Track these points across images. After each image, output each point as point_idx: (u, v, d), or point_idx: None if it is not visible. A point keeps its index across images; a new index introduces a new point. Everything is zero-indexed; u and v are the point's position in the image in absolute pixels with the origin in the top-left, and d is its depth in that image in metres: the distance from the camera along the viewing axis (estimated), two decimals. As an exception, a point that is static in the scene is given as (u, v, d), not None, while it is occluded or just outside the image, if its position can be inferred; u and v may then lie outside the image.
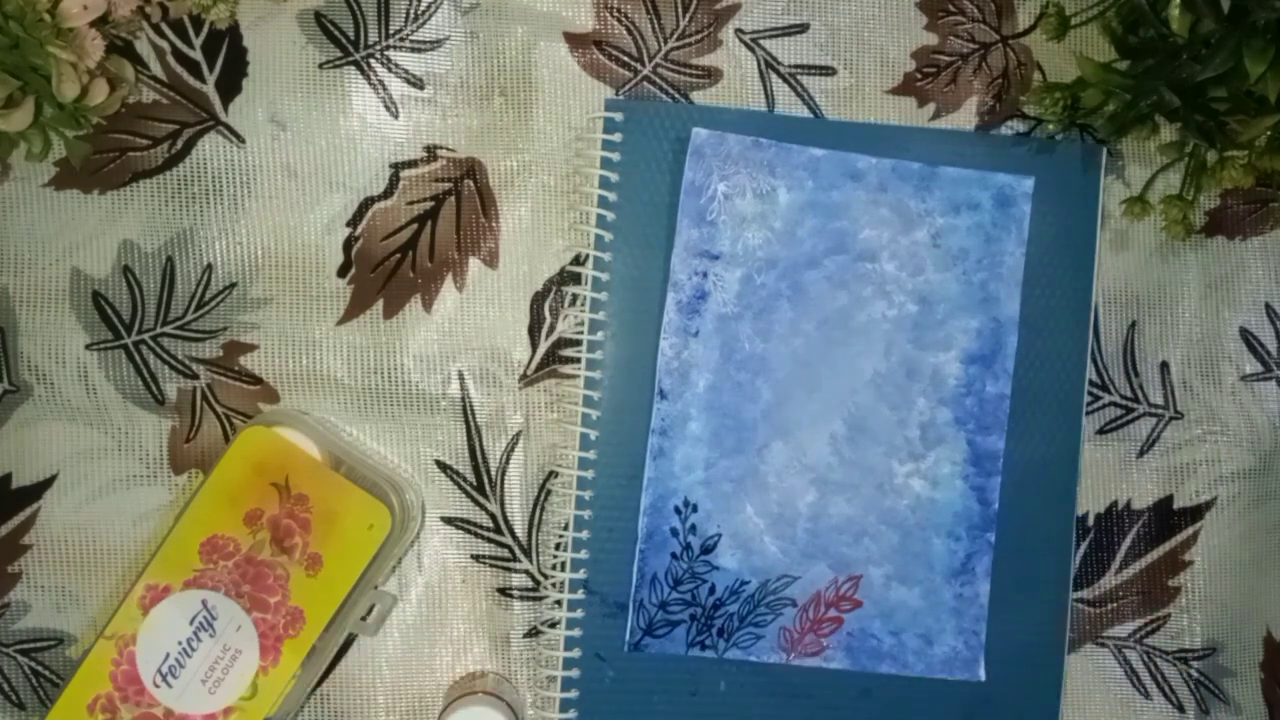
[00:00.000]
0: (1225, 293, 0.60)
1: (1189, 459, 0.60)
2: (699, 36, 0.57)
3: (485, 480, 0.56)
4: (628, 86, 0.56)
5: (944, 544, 0.57)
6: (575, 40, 0.56)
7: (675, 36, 0.57)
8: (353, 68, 0.55)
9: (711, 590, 0.56)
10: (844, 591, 0.57)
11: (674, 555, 0.55)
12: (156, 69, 0.54)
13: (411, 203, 0.56)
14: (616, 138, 0.55)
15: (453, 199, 0.56)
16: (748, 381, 0.56)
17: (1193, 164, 0.57)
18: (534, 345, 0.56)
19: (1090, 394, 0.59)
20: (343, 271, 0.55)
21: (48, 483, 0.54)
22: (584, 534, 0.55)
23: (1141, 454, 0.60)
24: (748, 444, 0.56)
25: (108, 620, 0.51)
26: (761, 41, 0.57)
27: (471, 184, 0.56)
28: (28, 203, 0.54)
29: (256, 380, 0.55)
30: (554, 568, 0.56)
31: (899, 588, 0.57)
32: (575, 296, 0.56)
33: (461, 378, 0.56)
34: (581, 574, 0.55)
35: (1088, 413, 0.59)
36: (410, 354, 0.56)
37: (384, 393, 0.56)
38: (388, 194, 0.55)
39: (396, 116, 0.55)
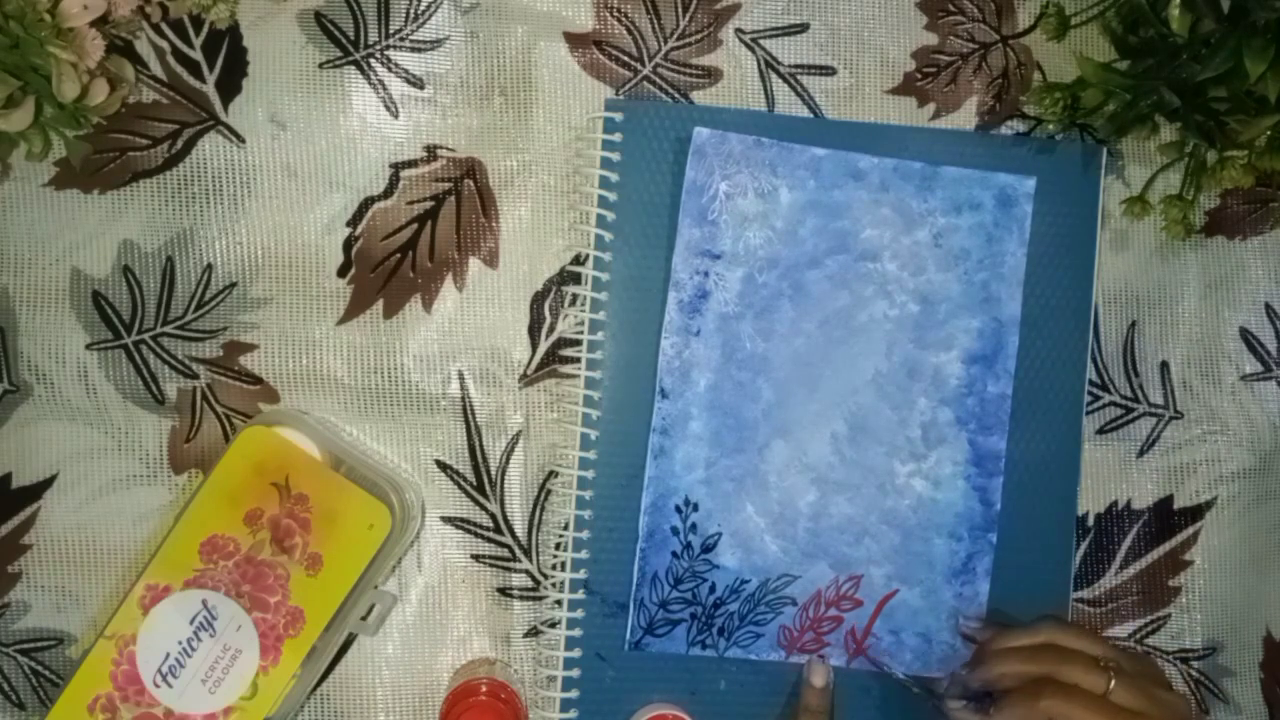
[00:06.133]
0: (1225, 293, 0.60)
1: (1189, 459, 0.60)
2: (699, 36, 0.57)
3: (485, 480, 0.56)
4: (628, 86, 0.56)
5: (945, 544, 0.57)
6: (575, 40, 0.56)
7: (675, 36, 0.57)
8: (353, 68, 0.55)
9: (712, 589, 0.56)
10: (845, 591, 0.57)
11: (674, 554, 0.55)
12: (156, 69, 0.54)
13: (411, 202, 0.55)
14: (616, 138, 0.55)
15: (453, 199, 0.56)
16: (749, 381, 0.56)
17: (1193, 164, 0.57)
18: (534, 345, 0.56)
19: (1090, 394, 0.59)
20: (343, 271, 0.55)
21: (48, 483, 0.54)
22: (584, 534, 0.55)
23: (1141, 454, 0.60)
24: (749, 443, 0.56)
25: (108, 620, 0.51)
26: (761, 41, 0.57)
27: (471, 184, 0.56)
28: (28, 203, 0.54)
29: (256, 380, 0.55)
30: (554, 567, 0.56)
31: (899, 587, 0.57)
32: (575, 296, 0.56)
33: (461, 378, 0.56)
34: (582, 574, 0.55)
35: (1088, 413, 0.59)
36: (410, 354, 0.56)
37: (384, 393, 0.55)
38: (388, 194, 0.55)
39: (396, 116, 0.55)
